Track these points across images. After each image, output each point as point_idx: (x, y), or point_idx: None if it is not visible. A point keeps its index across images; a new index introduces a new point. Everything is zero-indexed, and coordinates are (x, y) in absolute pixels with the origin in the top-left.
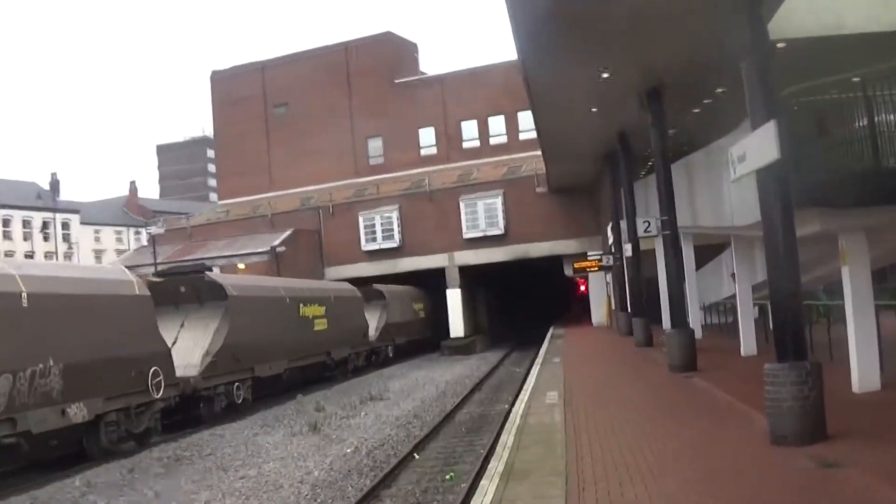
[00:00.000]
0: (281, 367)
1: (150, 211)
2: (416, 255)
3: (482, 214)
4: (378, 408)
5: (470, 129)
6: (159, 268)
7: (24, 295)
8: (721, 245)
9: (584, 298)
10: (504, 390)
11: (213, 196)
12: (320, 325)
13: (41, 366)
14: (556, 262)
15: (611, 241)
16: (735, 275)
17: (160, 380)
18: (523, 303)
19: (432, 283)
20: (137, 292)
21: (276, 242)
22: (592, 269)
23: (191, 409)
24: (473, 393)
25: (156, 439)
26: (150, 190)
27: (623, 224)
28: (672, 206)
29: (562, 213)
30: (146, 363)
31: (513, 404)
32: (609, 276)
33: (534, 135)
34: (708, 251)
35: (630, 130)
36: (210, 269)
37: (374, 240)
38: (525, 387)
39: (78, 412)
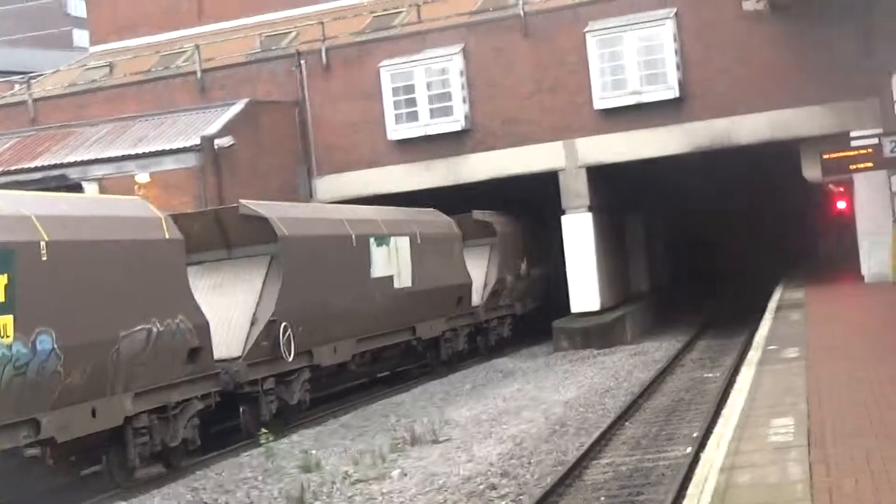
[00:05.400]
0: (348, 352)
1: None
2: (498, 147)
3: (634, 59)
4: (429, 458)
5: None
6: None
7: (458, 244)
8: None
9: (844, 226)
10: (683, 419)
11: (80, 37)
12: (402, 280)
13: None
14: (783, 152)
15: None
16: None
17: (462, 303)
18: (718, 238)
19: (530, 203)
20: (455, 230)
21: (215, 129)
22: (861, 165)
23: (227, 416)
24: (621, 425)
25: None
26: None
27: None
28: None
29: (795, 52)
30: (459, 290)
31: (701, 446)
32: None
33: None
34: None
35: None
36: (78, 186)
37: (414, 118)
38: (726, 410)
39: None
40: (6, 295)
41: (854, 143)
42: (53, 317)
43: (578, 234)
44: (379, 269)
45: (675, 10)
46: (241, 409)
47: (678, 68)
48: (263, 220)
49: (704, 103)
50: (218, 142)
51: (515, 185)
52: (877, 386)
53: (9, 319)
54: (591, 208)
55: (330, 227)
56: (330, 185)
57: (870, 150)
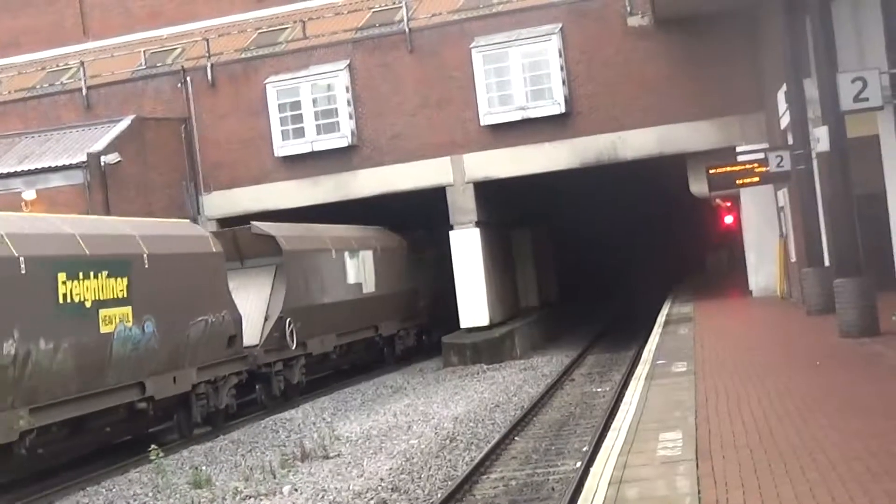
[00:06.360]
0: (330, 344)
1: None
2: (385, 162)
3: (520, 74)
4: (320, 474)
5: None
6: None
7: (406, 255)
8: None
9: (732, 241)
10: (573, 433)
11: None
12: (368, 286)
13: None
14: (672, 167)
15: (784, 123)
16: None
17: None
18: (606, 254)
19: (418, 219)
20: (403, 243)
21: (102, 146)
22: (747, 179)
23: (249, 391)
24: (511, 440)
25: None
26: None
27: (810, 86)
28: None
29: (681, 68)
30: (408, 296)
31: (591, 460)
32: (782, 195)
33: None
34: None
35: None
36: None
37: (301, 134)
38: (615, 424)
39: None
40: (127, 292)
41: (740, 158)
42: (152, 308)
43: (466, 249)
44: (352, 276)
45: (560, 25)
46: (256, 386)
47: (564, 84)
48: (271, 238)
49: (591, 118)
50: (104, 158)
51: (406, 200)
52: (764, 400)
53: (129, 309)
54: (478, 224)
55: (317, 243)
56: (218, 202)
57: (755, 164)
